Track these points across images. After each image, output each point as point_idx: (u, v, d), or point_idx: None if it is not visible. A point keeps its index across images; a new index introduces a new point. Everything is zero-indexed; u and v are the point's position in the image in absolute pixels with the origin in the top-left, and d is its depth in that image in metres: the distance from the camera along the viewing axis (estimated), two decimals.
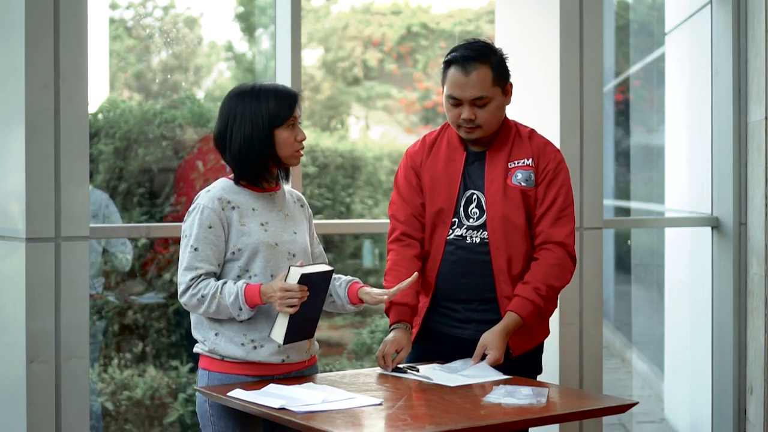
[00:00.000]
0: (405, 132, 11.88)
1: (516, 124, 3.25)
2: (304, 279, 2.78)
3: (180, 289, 2.85)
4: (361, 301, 3.00)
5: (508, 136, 3.20)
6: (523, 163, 3.16)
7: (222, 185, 2.94)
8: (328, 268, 2.90)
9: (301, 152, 2.96)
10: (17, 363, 3.26)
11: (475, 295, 3.16)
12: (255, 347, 2.87)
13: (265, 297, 2.81)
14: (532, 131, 3.24)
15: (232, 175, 2.97)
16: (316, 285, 2.83)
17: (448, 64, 3.16)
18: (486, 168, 3.17)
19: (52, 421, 3.26)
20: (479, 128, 3.14)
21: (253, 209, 2.92)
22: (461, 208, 3.18)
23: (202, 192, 2.93)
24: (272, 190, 3.00)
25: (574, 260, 3.16)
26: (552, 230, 3.12)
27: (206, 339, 2.91)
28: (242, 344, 2.87)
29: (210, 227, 2.85)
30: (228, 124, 2.93)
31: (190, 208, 2.90)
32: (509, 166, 3.16)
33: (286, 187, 3.09)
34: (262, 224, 2.92)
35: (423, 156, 3.26)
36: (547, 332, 3.26)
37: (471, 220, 3.17)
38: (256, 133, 2.90)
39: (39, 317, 3.24)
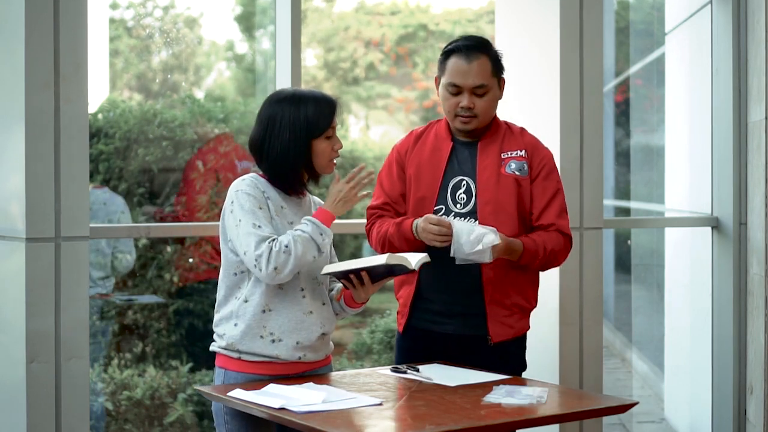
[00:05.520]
0: (405, 132, 11.86)
1: (506, 122, 3.34)
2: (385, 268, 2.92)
3: (263, 262, 2.79)
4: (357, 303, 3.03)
5: (499, 131, 3.28)
6: (517, 154, 3.24)
7: (254, 177, 2.95)
8: (411, 266, 2.92)
9: (335, 161, 2.98)
10: (17, 363, 3.26)
11: (459, 284, 3.17)
12: (273, 341, 2.87)
13: (332, 200, 2.92)
14: (523, 128, 3.34)
15: (260, 172, 2.98)
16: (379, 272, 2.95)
17: (448, 54, 3.23)
18: (478, 156, 3.23)
19: (52, 421, 3.26)
20: (476, 118, 3.21)
21: (282, 207, 2.95)
22: (448, 194, 3.21)
23: (238, 181, 2.94)
24: (300, 194, 3.02)
25: (571, 246, 3.31)
26: (560, 221, 3.24)
27: (225, 332, 2.89)
28: (261, 336, 2.86)
29: (260, 208, 2.87)
30: (266, 131, 2.93)
31: (231, 200, 2.89)
32: (502, 157, 3.23)
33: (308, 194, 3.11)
34: (290, 223, 2.94)
35: (409, 147, 3.32)
36: (527, 326, 3.28)
37: (458, 206, 3.20)
38: (293, 143, 2.91)
39: (39, 317, 3.24)
